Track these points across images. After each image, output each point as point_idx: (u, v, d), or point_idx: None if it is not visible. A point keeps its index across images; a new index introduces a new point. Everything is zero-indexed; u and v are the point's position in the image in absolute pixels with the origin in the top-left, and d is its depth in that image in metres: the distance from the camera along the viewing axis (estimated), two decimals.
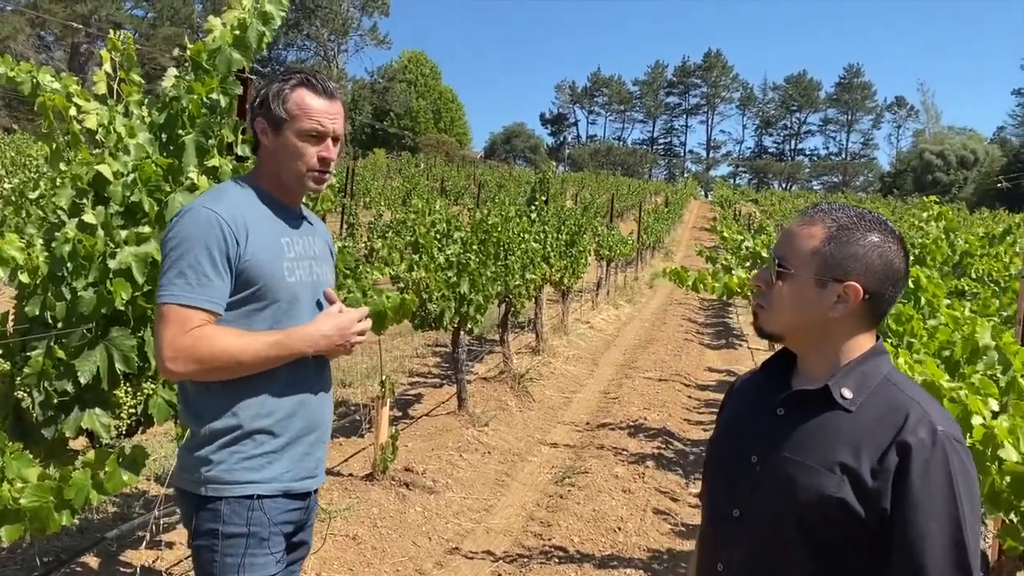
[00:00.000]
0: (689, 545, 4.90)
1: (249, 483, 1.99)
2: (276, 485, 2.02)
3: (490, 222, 7.57)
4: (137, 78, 2.97)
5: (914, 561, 1.34)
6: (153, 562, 3.97)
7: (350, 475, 5.54)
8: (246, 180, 2.15)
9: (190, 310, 1.92)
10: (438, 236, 6.96)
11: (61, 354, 2.63)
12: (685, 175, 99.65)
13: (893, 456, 1.36)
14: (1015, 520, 2.42)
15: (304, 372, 2.09)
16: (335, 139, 2.12)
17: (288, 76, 2.10)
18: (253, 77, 3.56)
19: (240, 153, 3.24)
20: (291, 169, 2.08)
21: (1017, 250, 7.19)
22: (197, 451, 2.01)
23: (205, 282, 1.93)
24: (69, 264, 2.61)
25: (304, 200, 2.37)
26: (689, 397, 9.22)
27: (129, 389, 2.78)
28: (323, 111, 2.08)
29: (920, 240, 5.08)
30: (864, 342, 1.50)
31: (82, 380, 2.62)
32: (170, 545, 4.14)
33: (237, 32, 3.02)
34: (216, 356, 1.91)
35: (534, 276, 8.91)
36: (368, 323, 2.17)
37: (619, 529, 5.10)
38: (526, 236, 8.78)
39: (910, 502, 1.34)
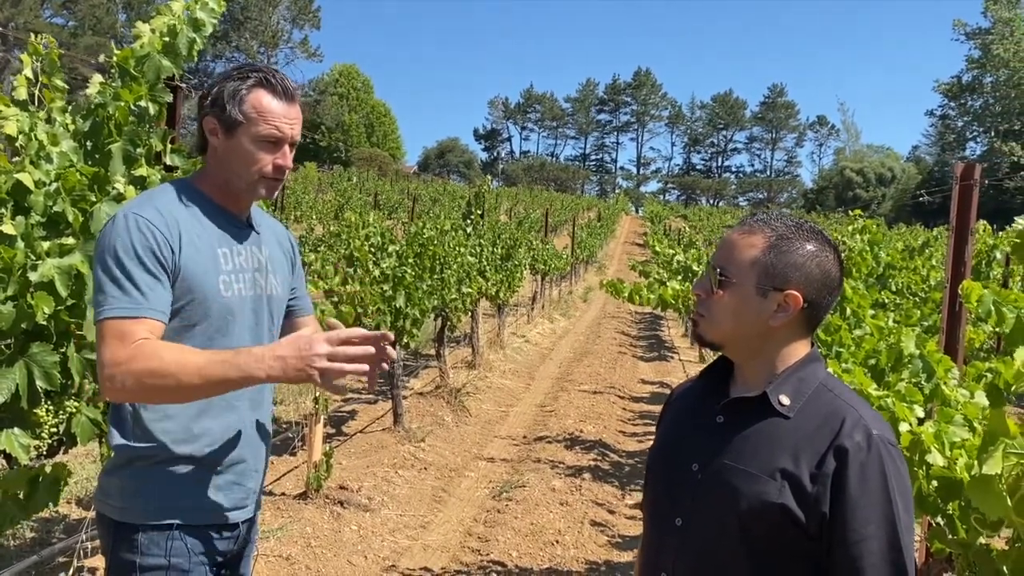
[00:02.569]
0: (627, 556, 4.93)
1: (169, 510, 1.85)
2: (199, 515, 1.88)
3: (426, 235, 7.53)
4: (60, 84, 2.85)
5: (852, 563, 1.36)
6: None
7: (282, 494, 5.41)
8: (185, 183, 1.98)
9: (130, 322, 1.72)
10: (373, 249, 6.89)
11: None
12: (616, 191, 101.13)
13: (831, 460, 1.39)
14: (942, 523, 2.49)
15: (239, 395, 1.93)
16: (292, 144, 1.96)
17: (245, 74, 1.90)
18: (183, 85, 3.47)
19: (169, 163, 3.15)
20: (242, 175, 1.91)
21: (934, 263, 7.48)
22: (117, 474, 1.88)
23: (145, 290, 1.75)
24: None
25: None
26: (624, 409, 9.30)
27: (51, 407, 2.65)
28: (282, 115, 1.90)
29: (845, 253, 5.23)
30: (800, 349, 1.52)
31: None
32: (93, 572, 3.96)
33: (167, 38, 2.94)
34: (155, 372, 1.68)
35: (470, 290, 8.89)
36: (352, 350, 1.67)
37: (557, 542, 5.09)
38: (462, 250, 8.76)
39: (848, 505, 1.37)
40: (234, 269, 1.94)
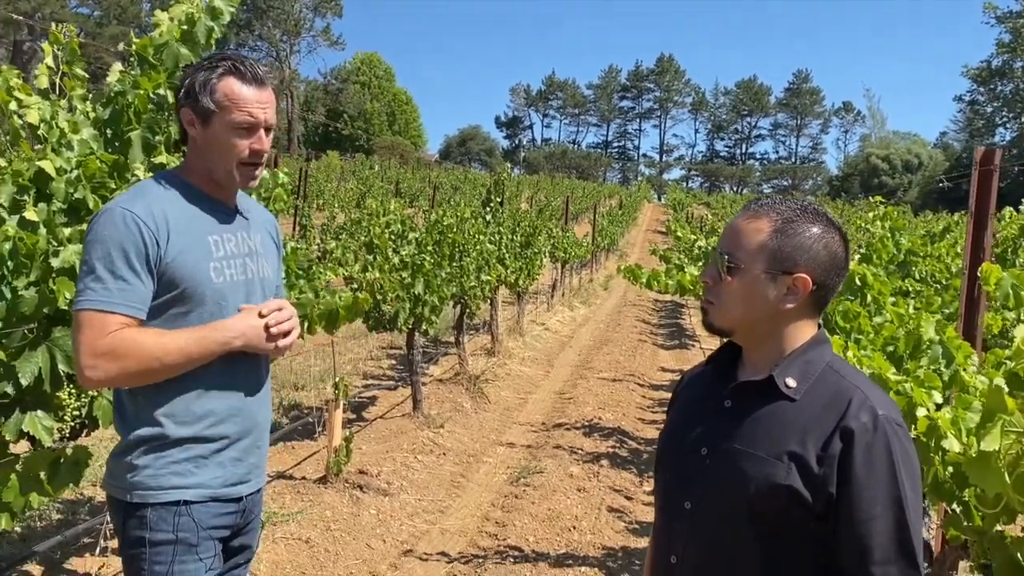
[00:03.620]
0: (643, 543, 4.94)
1: (175, 488, 1.93)
2: (204, 491, 1.96)
3: (445, 223, 7.55)
4: (81, 72, 2.89)
5: (859, 543, 1.37)
6: (99, 569, 3.87)
7: (303, 478, 5.47)
8: (172, 175, 2.05)
9: (107, 315, 1.82)
10: (393, 237, 6.93)
11: (1, 355, 2.54)
12: (639, 179, 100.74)
13: (837, 442, 1.39)
14: (958, 510, 2.48)
15: (236, 375, 2.02)
16: (267, 129, 2.02)
17: (215, 63, 1.97)
18: None
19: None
20: (220, 162, 1.98)
21: (958, 250, 7.38)
22: (124, 457, 1.95)
23: (123, 286, 1.83)
24: (10, 263, 2.53)
25: (248, 191, 2.27)
26: (643, 397, 9.30)
27: (73, 391, 2.71)
28: (254, 100, 1.96)
29: (866, 239, 5.19)
30: (807, 331, 1.52)
31: (23, 382, 2.53)
32: (117, 551, 4.04)
33: (185, 27, 2.97)
34: (136, 356, 1.81)
35: (489, 277, 8.90)
36: (283, 314, 2.04)
37: (574, 528, 5.11)
38: (481, 237, 8.78)
39: (854, 485, 1.37)
40: (225, 255, 2.01)
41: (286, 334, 2.05)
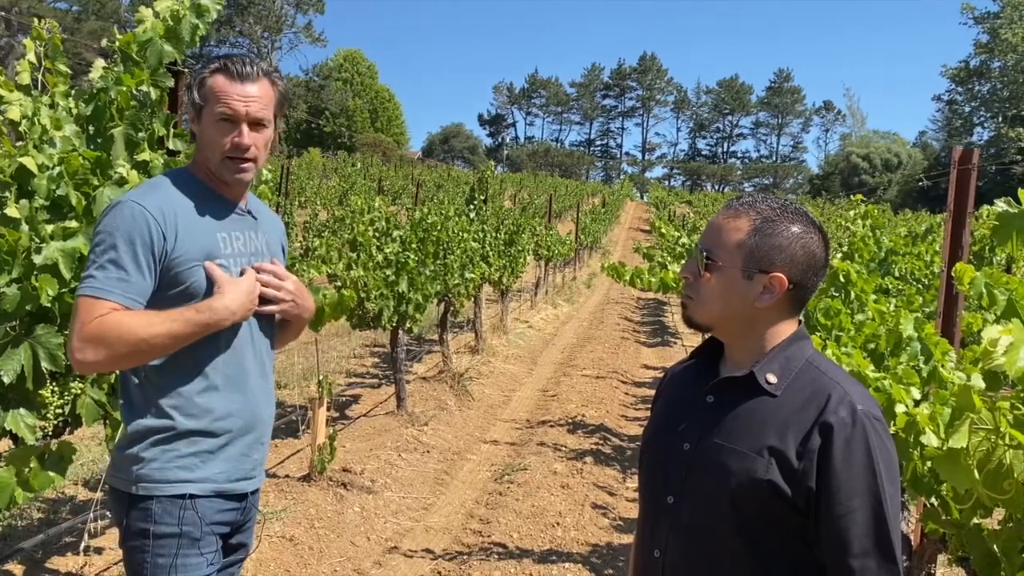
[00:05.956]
0: (627, 539, 4.97)
1: (181, 482, 1.94)
2: (209, 485, 1.98)
3: (429, 221, 7.54)
4: (63, 68, 2.87)
5: (838, 535, 1.39)
6: (81, 568, 3.85)
7: (286, 476, 5.46)
8: (184, 171, 2.09)
9: (99, 300, 1.85)
10: (377, 234, 6.91)
11: None
12: (621, 177, 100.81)
13: (816, 437, 1.41)
14: (936, 504, 2.52)
15: (243, 370, 2.04)
16: (254, 123, 2.00)
17: (211, 61, 2.04)
18: (186, 70, 3.48)
19: (172, 147, 3.17)
20: (211, 156, 2.01)
21: (938, 249, 7.46)
22: (129, 449, 1.96)
23: (124, 276, 1.86)
24: None
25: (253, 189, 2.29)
26: (626, 394, 9.34)
27: (56, 388, 2.69)
28: (235, 94, 1.97)
29: (847, 238, 5.25)
30: (787, 328, 1.54)
31: (5, 380, 2.52)
32: (99, 551, 4.02)
33: (170, 23, 2.95)
34: (122, 336, 1.82)
35: (473, 275, 8.91)
36: (266, 277, 2.07)
37: (558, 524, 5.14)
38: (465, 235, 8.78)
39: (833, 480, 1.39)
40: (233, 253, 2.04)
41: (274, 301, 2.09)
